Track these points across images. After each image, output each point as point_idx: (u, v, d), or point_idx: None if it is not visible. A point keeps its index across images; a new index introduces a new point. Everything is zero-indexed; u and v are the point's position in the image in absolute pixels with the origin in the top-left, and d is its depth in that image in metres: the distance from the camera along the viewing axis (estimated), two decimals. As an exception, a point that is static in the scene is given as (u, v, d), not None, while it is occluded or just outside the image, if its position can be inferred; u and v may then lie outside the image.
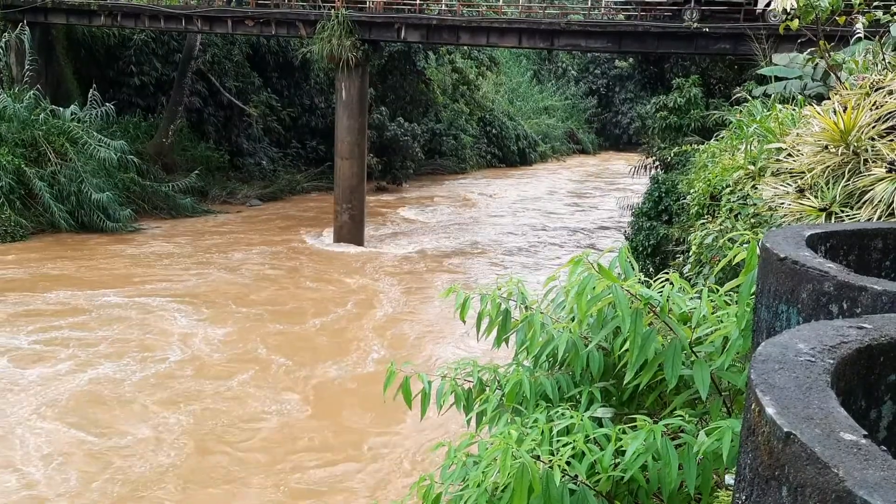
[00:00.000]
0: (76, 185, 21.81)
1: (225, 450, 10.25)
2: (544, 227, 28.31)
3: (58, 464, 9.65)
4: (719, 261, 3.91)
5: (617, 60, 56.91)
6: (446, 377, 3.34)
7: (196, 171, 26.51)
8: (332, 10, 21.95)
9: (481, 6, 25.02)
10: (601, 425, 2.78)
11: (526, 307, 3.29)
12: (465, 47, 38.60)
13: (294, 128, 34.92)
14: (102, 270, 18.78)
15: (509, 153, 48.83)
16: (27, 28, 24.40)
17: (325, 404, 11.96)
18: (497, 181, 41.24)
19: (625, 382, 2.80)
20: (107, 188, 22.48)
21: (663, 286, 2.87)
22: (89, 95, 24.24)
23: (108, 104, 24.20)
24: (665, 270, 4.18)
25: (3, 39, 24.25)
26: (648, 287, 2.88)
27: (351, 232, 23.27)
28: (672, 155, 14.69)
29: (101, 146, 22.54)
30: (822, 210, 4.21)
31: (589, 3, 22.10)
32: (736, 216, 6.01)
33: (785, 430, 0.95)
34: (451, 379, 3.32)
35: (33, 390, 11.65)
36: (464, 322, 3.44)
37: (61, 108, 23.34)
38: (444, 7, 23.50)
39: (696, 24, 18.01)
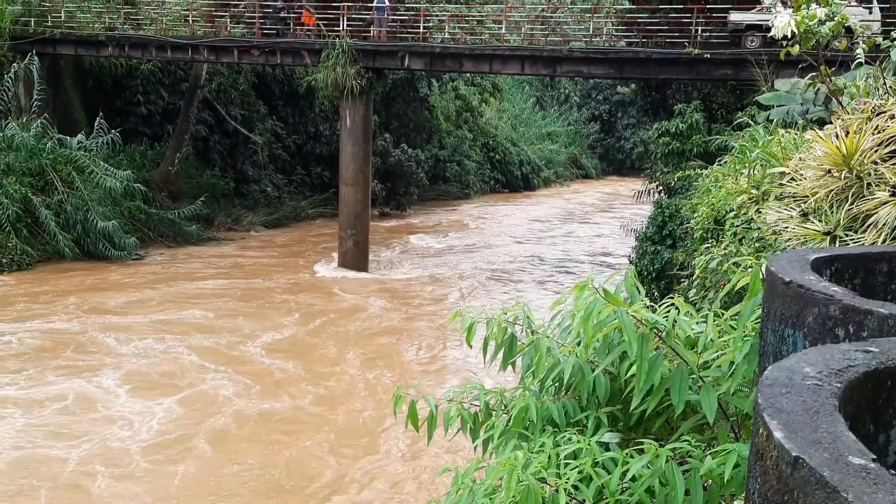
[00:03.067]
0: (82, 214, 21.90)
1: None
2: (548, 252, 28.30)
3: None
4: (724, 285, 3.90)
5: (619, 86, 57.28)
6: (452, 401, 3.33)
7: (201, 199, 26.62)
8: (337, 40, 22.21)
9: (484, 34, 25.28)
10: (608, 450, 2.76)
11: (532, 331, 3.29)
12: (469, 74, 38.90)
13: (299, 155, 35.12)
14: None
15: (513, 178, 49.01)
16: (36, 59, 24.66)
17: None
18: (501, 206, 41.32)
19: (632, 408, 2.78)
20: (113, 216, 22.55)
21: (668, 311, 2.86)
22: (96, 124, 24.43)
23: (114, 133, 24.39)
24: (670, 295, 4.18)
25: (13, 70, 24.54)
26: (654, 311, 2.88)
27: (355, 258, 23.31)
28: (675, 180, 14.71)
29: (107, 175, 22.67)
30: (826, 234, 4.22)
31: (591, 30, 22.30)
32: (740, 240, 6.02)
33: (793, 454, 0.95)
34: (457, 402, 3.31)
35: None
36: (470, 346, 3.44)
37: (68, 137, 23.52)
38: (447, 35, 23.73)
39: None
